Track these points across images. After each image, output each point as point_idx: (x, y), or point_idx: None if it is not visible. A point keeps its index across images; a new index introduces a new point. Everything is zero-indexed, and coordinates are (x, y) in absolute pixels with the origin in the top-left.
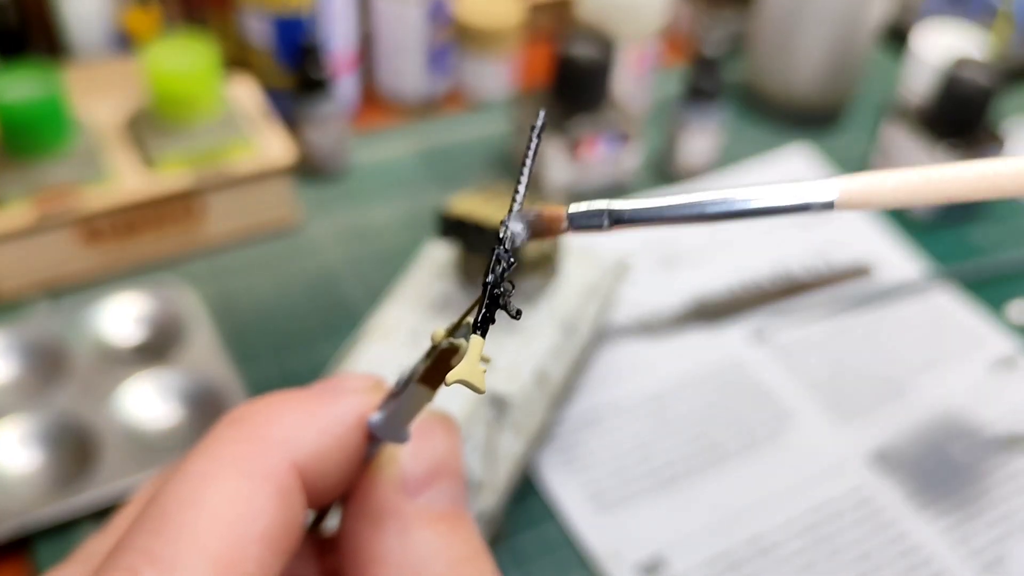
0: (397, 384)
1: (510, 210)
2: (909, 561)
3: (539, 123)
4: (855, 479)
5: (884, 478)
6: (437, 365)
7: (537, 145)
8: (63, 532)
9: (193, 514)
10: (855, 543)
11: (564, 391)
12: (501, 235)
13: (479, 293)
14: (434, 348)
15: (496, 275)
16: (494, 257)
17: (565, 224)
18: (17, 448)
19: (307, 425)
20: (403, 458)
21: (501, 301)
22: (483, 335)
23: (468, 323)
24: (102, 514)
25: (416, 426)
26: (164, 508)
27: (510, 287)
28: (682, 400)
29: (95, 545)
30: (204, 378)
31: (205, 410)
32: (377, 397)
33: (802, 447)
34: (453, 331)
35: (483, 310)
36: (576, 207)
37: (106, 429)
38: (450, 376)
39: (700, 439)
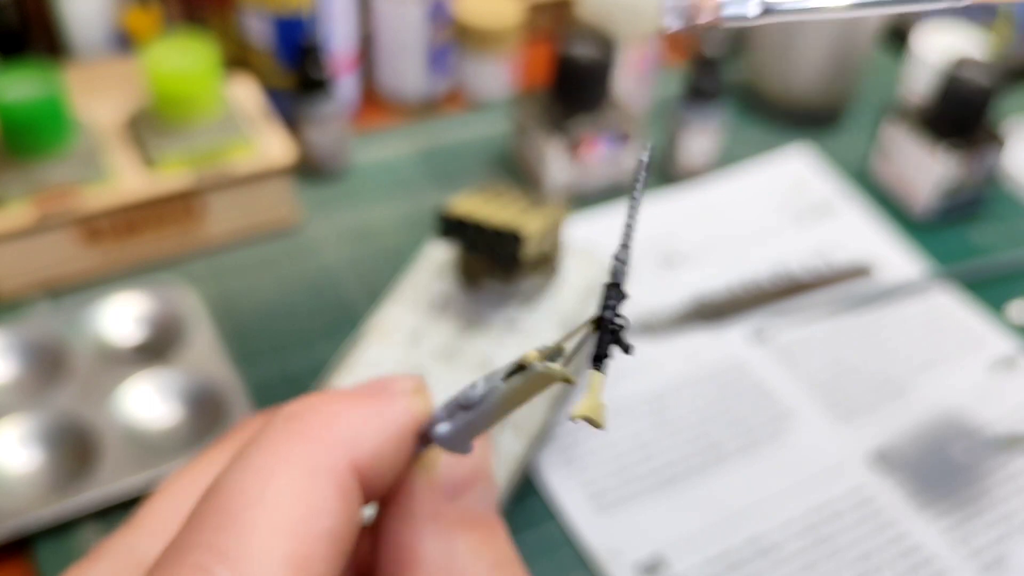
0: (466, 398)
1: (623, 244)
2: (909, 561)
3: (646, 158)
4: (855, 479)
5: (884, 478)
6: (528, 388)
7: (645, 179)
8: (63, 532)
9: (261, 511)
10: (855, 543)
11: (564, 391)
12: (612, 269)
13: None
14: (519, 367)
15: (611, 310)
16: (606, 292)
17: (717, 11)
18: (17, 448)
19: (365, 425)
20: (444, 461)
21: (618, 337)
22: (603, 371)
23: (563, 348)
24: (102, 514)
25: None
26: (229, 504)
27: (625, 321)
28: (682, 400)
29: (121, 540)
30: (204, 378)
31: (205, 410)
32: (424, 400)
33: (802, 447)
34: (549, 356)
35: (601, 346)
36: None
37: (106, 429)
38: (574, 412)
39: (700, 439)
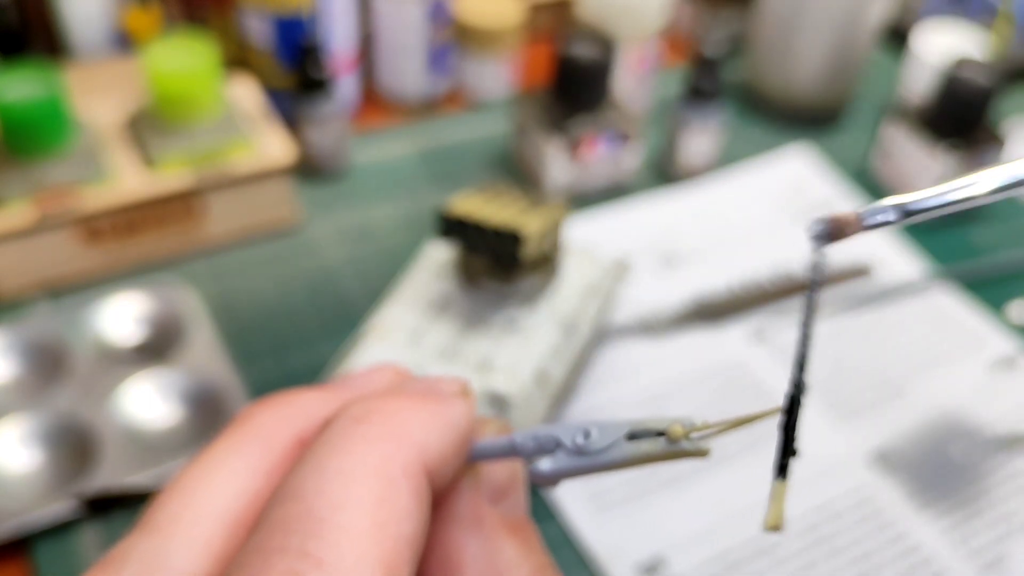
0: (575, 444)
1: (799, 367)
2: (909, 561)
3: (822, 258)
4: (855, 479)
5: (884, 478)
6: (664, 458)
7: (821, 284)
8: (63, 532)
9: (348, 516)
10: (855, 543)
11: (564, 391)
12: (795, 379)
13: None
14: (661, 434)
15: (792, 422)
16: (790, 401)
17: (856, 225)
18: (17, 448)
19: (433, 426)
20: (490, 467)
21: (793, 449)
22: (785, 479)
23: (705, 427)
24: (102, 514)
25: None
26: (312, 508)
27: (798, 428)
28: (682, 400)
29: (144, 544)
30: (204, 378)
31: (205, 410)
32: (472, 402)
33: (802, 447)
34: (693, 432)
35: (784, 457)
36: (865, 207)
37: (106, 429)
38: (766, 524)
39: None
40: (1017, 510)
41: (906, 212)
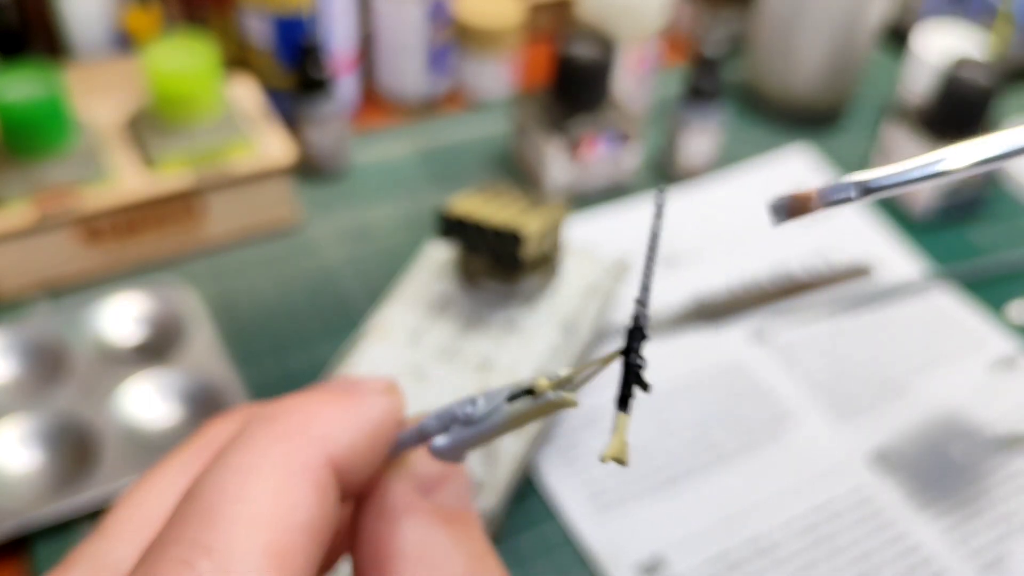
0: (464, 414)
1: (643, 287)
2: (909, 561)
3: (662, 201)
4: (855, 479)
5: (884, 478)
6: (533, 413)
7: (661, 224)
8: (62, 532)
9: (242, 507)
10: (855, 543)
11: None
12: (634, 313)
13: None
14: (528, 392)
15: (635, 352)
16: (629, 335)
17: (816, 201)
18: (17, 448)
19: (341, 422)
20: (420, 459)
21: (639, 378)
22: (625, 410)
23: (571, 378)
24: (102, 514)
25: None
26: (209, 502)
27: (644, 362)
28: (682, 400)
29: (93, 547)
30: (204, 378)
31: (205, 410)
32: (396, 398)
33: (802, 447)
34: (558, 385)
35: (625, 388)
36: (825, 184)
37: (106, 429)
38: (604, 455)
39: (700, 439)
40: (1017, 510)
41: (866, 189)
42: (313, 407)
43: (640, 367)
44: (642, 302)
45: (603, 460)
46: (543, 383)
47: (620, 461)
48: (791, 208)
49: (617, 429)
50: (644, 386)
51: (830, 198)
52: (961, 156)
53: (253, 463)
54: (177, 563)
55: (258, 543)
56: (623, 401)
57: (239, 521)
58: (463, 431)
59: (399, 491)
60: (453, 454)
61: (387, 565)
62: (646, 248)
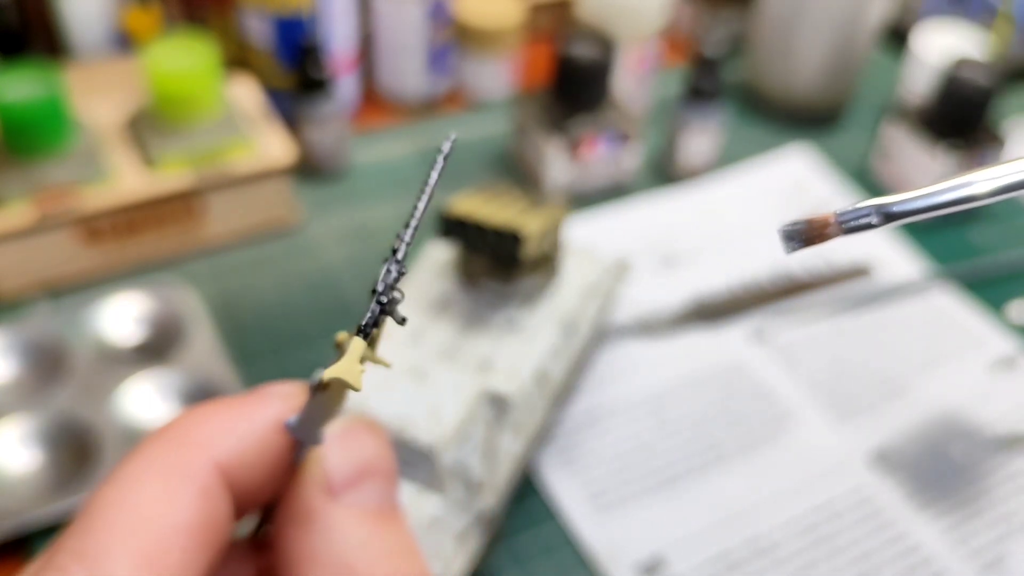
0: (311, 387)
1: (407, 224)
2: (909, 561)
3: (447, 148)
4: (855, 479)
5: (884, 478)
6: (319, 393)
7: (442, 169)
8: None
9: (117, 513)
10: (855, 543)
11: (564, 391)
12: (394, 247)
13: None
14: (338, 349)
15: (385, 284)
16: (384, 268)
17: (834, 227)
18: (17, 448)
19: (229, 428)
20: (327, 460)
21: (388, 309)
22: (365, 338)
23: (339, 343)
24: None
25: (342, 430)
26: (93, 511)
27: (399, 296)
28: (682, 400)
29: (65, 544)
30: (204, 378)
31: None
32: (293, 403)
33: (802, 447)
34: (365, 335)
35: (370, 316)
36: (843, 209)
37: (106, 429)
38: (327, 373)
39: (700, 439)
40: (1017, 510)
41: (889, 215)
42: (202, 415)
43: (390, 299)
44: (401, 236)
45: (324, 380)
46: (342, 336)
47: (347, 385)
48: (806, 234)
49: (349, 352)
50: (398, 319)
51: (850, 224)
52: (987, 181)
53: (138, 471)
54: (52, 569)
55: (131, 547)
56: (364, 329)
57: (115, 527)
58: (307, 404)
59: (305, 495)
60: (308, 431)
61: (298, 569)
62: (422, 185)
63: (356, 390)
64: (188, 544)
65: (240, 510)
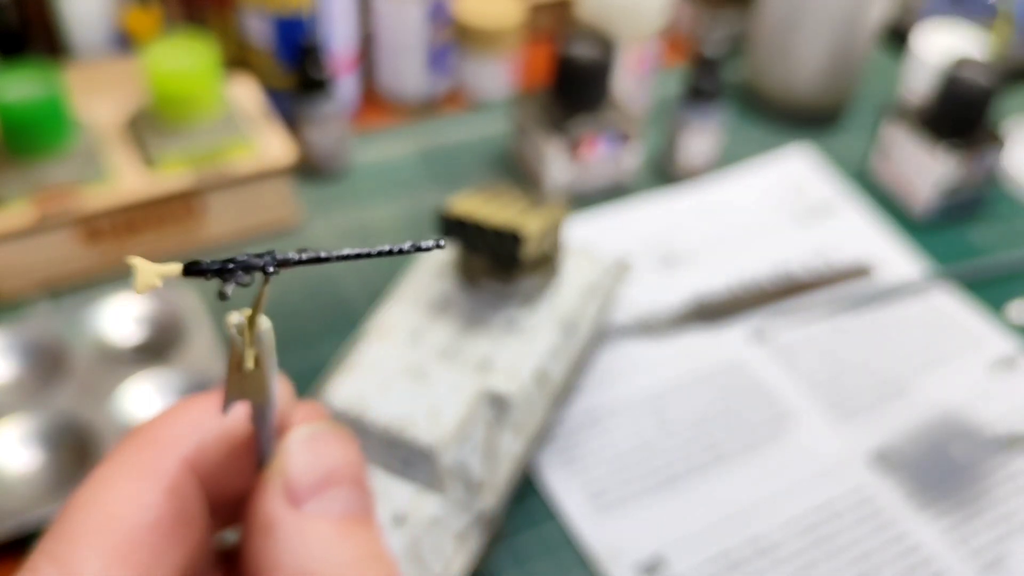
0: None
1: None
2: (909, 561)
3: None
4: (855, 479)
5: (884, 478)
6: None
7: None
8: None
9: (87, 514)
10: (855, 543)
11: (564, 391)
12: (289, 257)
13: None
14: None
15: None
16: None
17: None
18: (17, 448)
19: (197, 424)
20: (290, 468)
21: (224, 276)
22: (186, 274)
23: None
24: None
25: (307, 436)
26: (66, 513)
27: (245, 279)
28: (682, 400)
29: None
30: (204, 378)
31: None
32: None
33: (802, 447)
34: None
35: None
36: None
37: (106, 429)
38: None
39: (700, 439)
40: (1017, 510)
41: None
42: (172, 414)
43: (247, 263)
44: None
45: (137, 293)
46: (233, 317)
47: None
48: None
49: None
50: (223, 295)
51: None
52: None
53: (109, 473)
54: (28, 571)
55: (100, 546)
56: (222, 294)
57: (85, 527)
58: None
59: (268, 503)
60: (231, 401)
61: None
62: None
63: (138, 293)
64: (158, 541)
65: (218, 505)
